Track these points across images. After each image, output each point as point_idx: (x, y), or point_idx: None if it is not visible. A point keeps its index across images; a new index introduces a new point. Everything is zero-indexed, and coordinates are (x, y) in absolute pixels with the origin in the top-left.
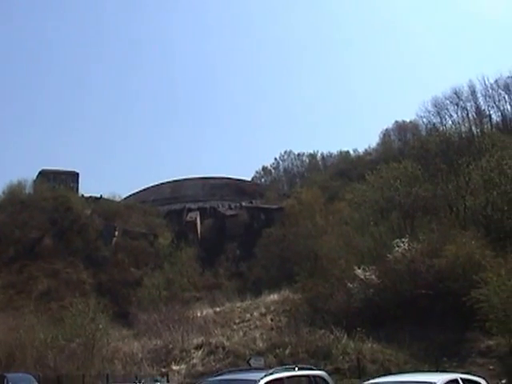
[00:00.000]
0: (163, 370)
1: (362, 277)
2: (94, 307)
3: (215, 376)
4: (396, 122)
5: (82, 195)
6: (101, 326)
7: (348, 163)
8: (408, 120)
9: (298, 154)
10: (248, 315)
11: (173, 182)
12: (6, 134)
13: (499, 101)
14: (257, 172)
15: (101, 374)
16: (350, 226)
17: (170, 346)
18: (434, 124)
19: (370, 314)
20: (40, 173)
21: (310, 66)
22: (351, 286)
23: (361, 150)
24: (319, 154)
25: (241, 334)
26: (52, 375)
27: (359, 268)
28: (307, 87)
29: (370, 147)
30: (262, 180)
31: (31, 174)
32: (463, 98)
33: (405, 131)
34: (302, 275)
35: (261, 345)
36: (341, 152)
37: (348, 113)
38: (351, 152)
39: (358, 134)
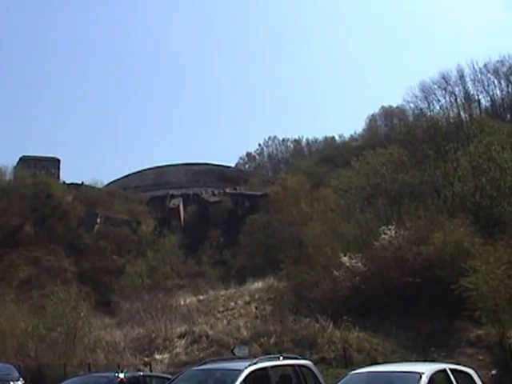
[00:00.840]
0: (146, 359)
1: (348, 264)
2: (75, 295)
3: (199, 365)
4: (382, 107)
5: (64, 182)
6: (82, 315)
7: (333, 149)
8: (395, 105)
9: (283, 140)
10: (232, 303)
11: (155, 168)
12: None
13: (488, 85)
14: (241, 158)
15: (83, 363)
16: (335, 213)
17: (153, 334)
18: (421, 109)
19: (357, 302)
20: (20, 159)
21: (294, 49)
22: (337, 273)
23: (346, 136)
24: (304, 140)
25: (225, 322)
26: (33, 365)
27: (345, 255)
28: (292, 71)
29: (355, 133)
30: (246, 166)
31: (11, 161)
32: (451, 82)
33: (391, 116)
34: (286, 263)
35: (245, 334)
36: (326, 138)
37: (333, 98)
38: (337, 138)
39: (343, 120)
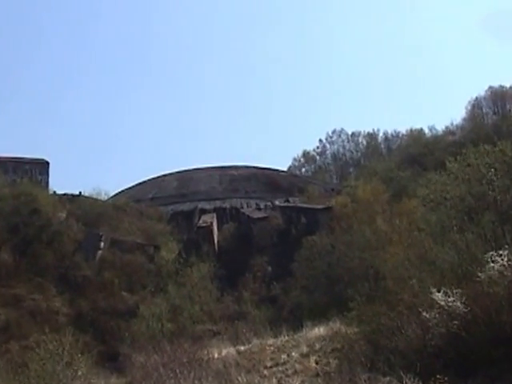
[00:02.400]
0: None
1: (443, 303)
2: (70, 347)
3: None
4: (490, 88)
5: (54, 192)
6: (80, 373)
7: (421, 146)
8: (508, 85)
9: (352, 134)
10: (284, 356)
11: (179, 173)
12: None
13: None
14: (295, 159)
15: None
16: (424, 233)
17: None
18: None
19: (455, 355)
20: None
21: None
22: (427, 315)
23: (440, 128)
24: (381, 134)
25: (274, 382)
26: None
27: (438, 291)
28: (362, 43)
29: (452, 124)
30: (303, 170)
31: None
32: None
33: (503, 100)
34: (358, 301)
35: None
36: (411, 131)
37: (422, 77)
38: (426, 130)
39: (435, 106)
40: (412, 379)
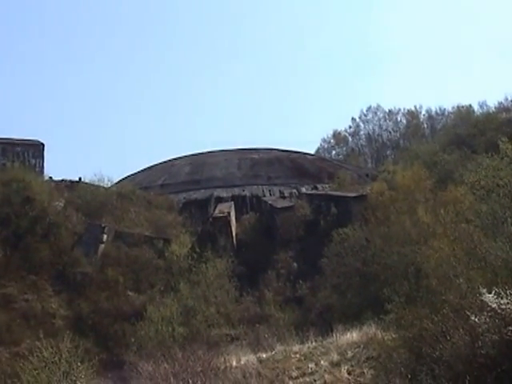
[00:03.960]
0: None
1: (495, 306)
2: (68, 354)
3: None
4: None
5: (50, 178)
6: None
7: (470, 125)
8: None
9: (390, 112)
10: (311, 365)
11: (192, 156)
12: None
13: None
14: (324, 141)
15: None
16: (473, 225)
17: None
18: None
19: (509, 367)
20: None
21: None
22: (476, 320)
23: (492, 104)
24: (423, 112)
25: None
26: None
27: (490, 292)
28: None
29: (507, 99)
30: (333, 153)
31: None
32: None
33: None
34: (396, 302)
35: None
36: (458, 108)
37: (471, 45)
38: (476, 107)
39: (487, 79)
40: None
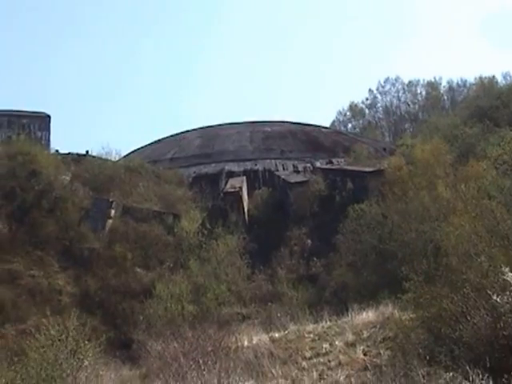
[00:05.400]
0: None
1: None
2: (75, 332)
3: None
4: None
5: (57, 151)
6: (86, 363)
7: (493, 97)
8: None
9: (409, 83)
10: (326, 346)
11: (202, 129)
12: None
13: None
14: (340, 113)
15: None
16: (495, 201)
17: None
18: None
19: None
20: None
21: None
22: (498, 300)
23: None
24: (444, 83)
25: (314, 375)
26: None
27: None
28: None
29: None
30: (349, 126)
31: None
32: None
33: None
34: (414, 281)
35: None
36: (481, 79)
37: (493, 11)
38: (499, 78)
39: (510, 48)
40: (480, 376)
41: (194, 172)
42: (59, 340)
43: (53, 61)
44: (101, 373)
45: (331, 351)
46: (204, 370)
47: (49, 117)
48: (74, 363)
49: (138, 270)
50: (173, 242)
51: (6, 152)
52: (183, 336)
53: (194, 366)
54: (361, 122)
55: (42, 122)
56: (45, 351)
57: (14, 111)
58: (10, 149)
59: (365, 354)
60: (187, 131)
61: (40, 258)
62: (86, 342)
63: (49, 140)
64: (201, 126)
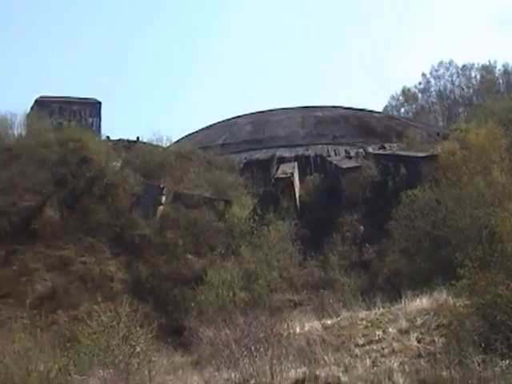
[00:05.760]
0: None
1: None
2: (127, 319)
3: None
4: None
5: (108, 138)
6: (139, 350)
7: None
8: None
9: (463, 67)
10: (379, 332)
11: (253, 114)
12: None
13: None
14: (393, 98)
15: None
16: None
17: (252, 381)
18: None
19: None
20: (36, 102)
21: None
22: None
23: None
24: (499, 67)
25: (368, 362)
26: None
27: None
28: None
29: None
30: (402, 111)
31: (22, 107)
32: None
33: None
34: (469, 268)
35: (401, 382)
36: None
37: None
38: None
39: None
40: None
41: (245, 158)
42: (111, 326)
43: (104, 47)
44: (153, 359)
45: (384, 338)
46: (256, 356)
47: (99, 103)
48: (126, 349)
49: (189, 256)
50: (224, 229)
51: (57, 139)
52: (235, 323)
53: (245, 353)
54: (414, 106)
55: (92, 108)
56: (97, 337)
57: (66, 98)
58: (61, 136)
59: (419, 342)
60: (238, 117)
61: (91, 244)
62: (138, 329)
63: (99, 126)
64: (252, 111)
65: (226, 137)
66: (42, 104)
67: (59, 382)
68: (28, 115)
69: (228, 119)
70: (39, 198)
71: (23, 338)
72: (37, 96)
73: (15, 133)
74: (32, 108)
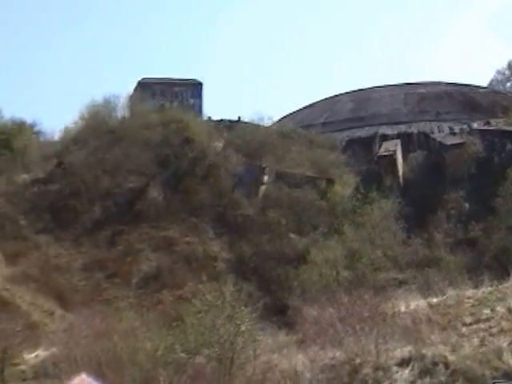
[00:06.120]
0: None
1: None
2: (231, 298)
3: None
4: None
5: (209, 118)
6: (243, 329)
7: None
8: None
9: None
10: (487, 311)
11: (355, 92)
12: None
13: None
14: (498, 72)
15: None
16: None
17: (357, 360)
18: None
19: None
20: (139, 84)
21: None
22: None
23: None
24: None
25: (475, 342)
26: None
27: None
28: None
29: None
30: (507, 85)
31: (125, 89)
32: None
33: None
34: None
35: (511, 362)
36: None
37: None
38: None
39: None
40: None
41: (347, 136)
42: (216, 306)
43: (203, 28)
44: (257, 338)
45: (492, 317)
46: (361, 335)
47: (201, 84)
48: (231, 328)
49: (292, 235)
50: (326, 207)
51: (159, 120)
52: (339, 302)
53: (350, 332)
54: None
55: (194, 89)
56: (202, 317)
57: (167, 79)
58: (163, 117)
59: None
60: (340, 94)
61: (195, 224)
62: (243, 308)
63: (201, 107)
64: (353, 89)
65: (328, 115)
66: (144, 86)
67: (166, 360)
68: (131, 97)
69: (329, 97)
70: (143, 179)
71: (130, 316)
72: (139, 78)
73: (118, 115)
74: (135, 90)
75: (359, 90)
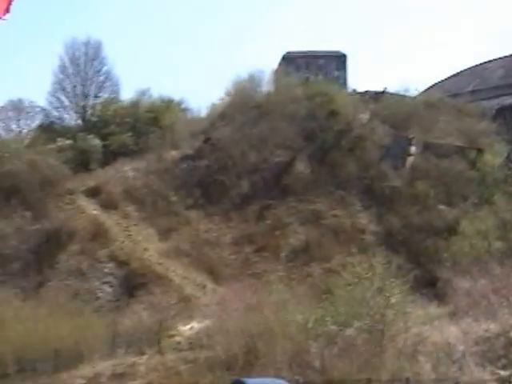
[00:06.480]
0: (502, 372)
1: None
2: (381, 270)
3: None
4: None
5: (354, 90)
6: (394, 301)
7: None
8: None
9: None
10: None
11: (506, 58)
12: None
13: None
14: None
15: (395, 377)
16: None
17: None
18: None
19: None
20: (283, 58)
21: None
22: None
23: None
24: None
25: None
26: (318, 380)
27: None
28: None
29: None
30: None
31: (270, 64)
32: None
33: None
34: None
35: None
36: None
37: None
38: None
39: None
40: None
41: (497, 104)
42: (365, 278)
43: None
44: (408, 310)
45: None
46: None
47: (345, 56)
48: (381, 301)
49: (441, 207)
50: (476, 178)
51: (304, 93)
52: (491, 273)
53: (505, 304)
54: None
55: (338, 61)
56: (351, 289)
57: (311, 52)
58: (308, 90)
59: None
60: (488, 61)
61: (342, 197)
62: (392, 280)
63: (345, 79)
64: (503, 54)
65: (476, 83)
66: (288, 60)
67: (316, 332)
68: (275, 72)
69: (478, 64)
70: (289, 153)
71: (280, 290)
72: (284, 52)
73: (264, 90)
74: (279, 65)
75: (510, 56)
